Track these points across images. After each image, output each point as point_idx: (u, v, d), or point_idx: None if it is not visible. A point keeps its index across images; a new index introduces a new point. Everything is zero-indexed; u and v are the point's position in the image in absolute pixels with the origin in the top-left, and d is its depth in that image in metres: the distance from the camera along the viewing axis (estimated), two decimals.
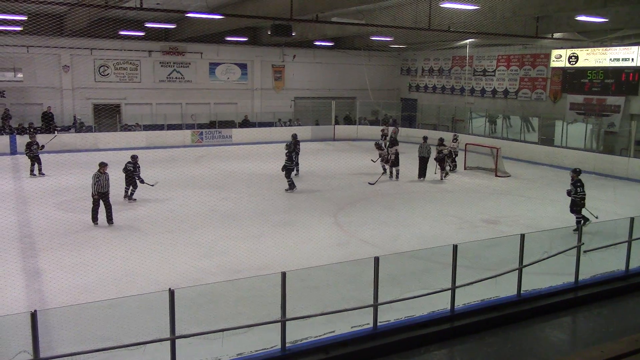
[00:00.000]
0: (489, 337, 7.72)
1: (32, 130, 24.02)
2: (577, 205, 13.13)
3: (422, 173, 19.57)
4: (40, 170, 18.93)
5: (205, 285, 8.89)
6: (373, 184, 18.46)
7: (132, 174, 15.78)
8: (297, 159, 19.10)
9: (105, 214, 13.39)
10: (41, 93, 25.87)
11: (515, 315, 8.17)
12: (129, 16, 23.28)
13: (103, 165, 13.64)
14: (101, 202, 13.41)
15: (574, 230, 12.35)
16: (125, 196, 15.81)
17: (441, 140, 20.20)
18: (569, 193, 13.31)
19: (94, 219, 13.32)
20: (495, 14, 16.63)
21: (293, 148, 18.72)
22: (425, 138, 20.25)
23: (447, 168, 20.07)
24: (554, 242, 9.48)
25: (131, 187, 15.86)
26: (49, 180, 17.83)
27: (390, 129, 24.67)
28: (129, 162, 15.87)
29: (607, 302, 8.99)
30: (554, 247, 9.15)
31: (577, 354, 7.01)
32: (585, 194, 13.14)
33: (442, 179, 19.42)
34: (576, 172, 13.51)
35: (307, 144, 27.38)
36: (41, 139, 19.81)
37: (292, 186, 17.17)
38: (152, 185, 16.26)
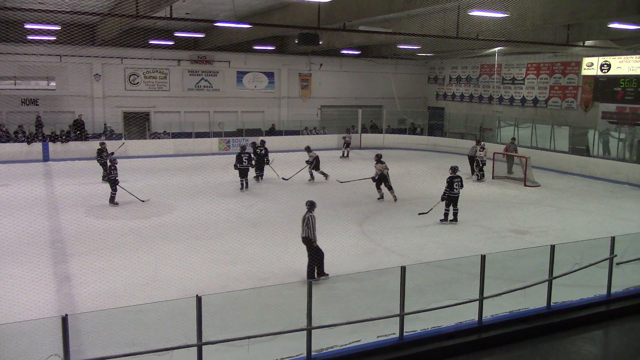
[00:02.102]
0: (517, 349, 7.60)
1: (62, 136, 24.59)
2: (451, 199, 14.53)
3: (472, 170, 21.48)
4: (104, 177, 19.14)
5: (232, 292, 8.94)
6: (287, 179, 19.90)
7: (107, 176, 16.09)
8: (261, 165, 19.98)
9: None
10: (73, 101, 26.44)
11: (544, 327, 8.04)
12: (158, 26, 23.72)
13: (313, 205, 10.59)
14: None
15: (441, 220, 14.66)
16: (110, 201, 16.06)
17: (378, 156, 17.55)
18: (455, 187, 14.50)
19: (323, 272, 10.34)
20: (525, 21, 16.44)
21: (255, 153, 19.77)
22: (478, 142, 21.96)
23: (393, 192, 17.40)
24: (585, 253, 9.27)
25: (111, 191, 16.11)
26: (79, 186, 18.17)
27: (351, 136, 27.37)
28: (111, 167, 16.10)
29: None
30: (585, 258, 8.96)
31: None
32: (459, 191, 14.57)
33: (394, 199, 17.19)
34: (453, 170, 14.72)
35: (334, 152, 27.43)
36: (109, 146, 20.32)
37: (242, 186, 18.40)
38: (143, 201, 16.32)
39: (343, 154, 26.79)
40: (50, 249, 12.16)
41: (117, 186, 16.11)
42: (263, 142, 20.81)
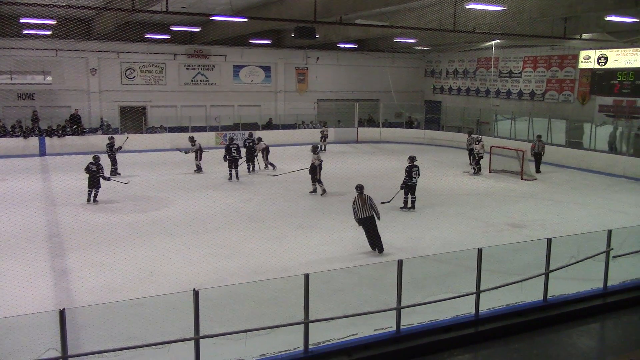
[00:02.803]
0: (514, 342, 7.62)
1: (59, 130, 24.51)
2: (410, 187, 15.25)
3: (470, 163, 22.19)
4: (115, 171, 19.43)
5: (229, 286, 8.95)
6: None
7: (96, 175, 15.56)
8: (251, 157, 20.74)
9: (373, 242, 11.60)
10: (69, 95, 26.38)
11: (541, 320, 8.06)
12: (154, 20, 23.59)
13: (363, 187, 11.75)
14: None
15: (401, 208, 15.25)
16: (89, 200, 15.58)
17: (315, 148, 17.50)
18: (414, 175, 15.19)
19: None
20: (522, 14, 16.41)
21: (244, 145, 20.66)
22: (470, 133, 22.73)
23: (322, 187, 17.04)
24: (581, 246, 9.30)
25: (94, 189, 15.63)
26: (76, 181, 18.12)
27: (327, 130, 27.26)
28: (91, 163, 15.66)
29: (637, 309, 8.79)
30: (582, 252, 8.98)
31: None
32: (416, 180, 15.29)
33: (321, 193, 17.04)
34: (412, 160, 15.30)
35: (330, 146, 27.42)
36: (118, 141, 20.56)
37: (231, 176, 19.09)
38: (126, 183, 16.61)
39: (320, 147, 26.57)
40: (48, 243, 12.15)
41: (102, 181, 15.73)
42: (251, 134, 21.50)
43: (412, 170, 15.17)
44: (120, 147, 19.91)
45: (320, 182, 17.06)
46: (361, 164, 21.47)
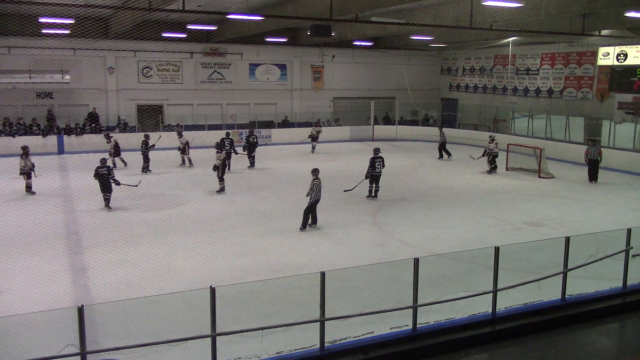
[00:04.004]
0: (531, 342, 7.55)
1: (77, 129, 24.78)
2: (374, 177, 16.17)
3: (440, 155, 24.22)
4: (147, 167, 20.18)
5: (245, 284, 8.99)
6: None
7: (106, 177, 14.88)
8: (253, 153, 21.65)
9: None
10: (87, 94, 26.64)
11: (559, 320, 7.97)
12: (171, 18, 23.73)
13: (317, 172, 13.53)
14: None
15: (367, 196, 16.22)
16: (107, 205, 14.92)
17: (219, 146, 18.42)
18: (377, 166, 16.11)
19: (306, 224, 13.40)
20: (540, 11, 16.23)
21: (247, 141, 21.75)
22: (440, 127, 25.27)
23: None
24: (600, 245, 9.18)
25: (107, 194, 14.98)
26: (94, 179, 18.32)
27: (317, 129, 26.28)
28: (99, 167, 14.94)
29: None
30: (601, 250, 8.86)
31: None
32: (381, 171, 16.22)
33: (217, 190, 17.12)
34: (376, 151, 16.31)
35: (346, 144, 27.37)
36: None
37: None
38: (136, 186, 16.10)
39: (312, 148, 25.79)
40: (66, 240, 12.30)
41: (114, 185, 15.11)
42: (251, 131, 22.57)
43: (375, 162, 16.03)
44: (154, 145, 20.37)
45: (221, 179, 17.18)
46: (305, 162, 21.43)
